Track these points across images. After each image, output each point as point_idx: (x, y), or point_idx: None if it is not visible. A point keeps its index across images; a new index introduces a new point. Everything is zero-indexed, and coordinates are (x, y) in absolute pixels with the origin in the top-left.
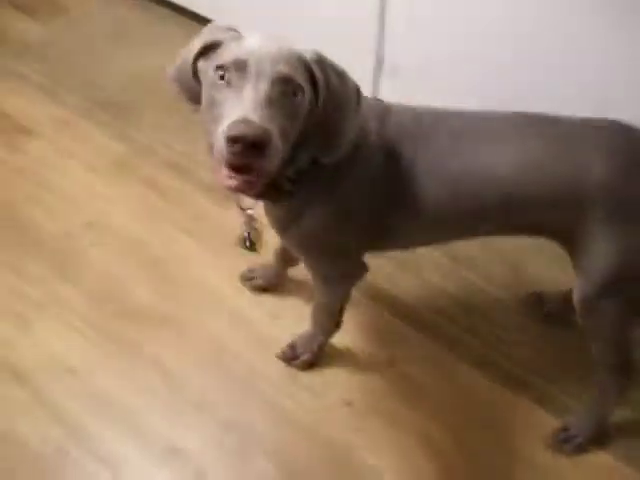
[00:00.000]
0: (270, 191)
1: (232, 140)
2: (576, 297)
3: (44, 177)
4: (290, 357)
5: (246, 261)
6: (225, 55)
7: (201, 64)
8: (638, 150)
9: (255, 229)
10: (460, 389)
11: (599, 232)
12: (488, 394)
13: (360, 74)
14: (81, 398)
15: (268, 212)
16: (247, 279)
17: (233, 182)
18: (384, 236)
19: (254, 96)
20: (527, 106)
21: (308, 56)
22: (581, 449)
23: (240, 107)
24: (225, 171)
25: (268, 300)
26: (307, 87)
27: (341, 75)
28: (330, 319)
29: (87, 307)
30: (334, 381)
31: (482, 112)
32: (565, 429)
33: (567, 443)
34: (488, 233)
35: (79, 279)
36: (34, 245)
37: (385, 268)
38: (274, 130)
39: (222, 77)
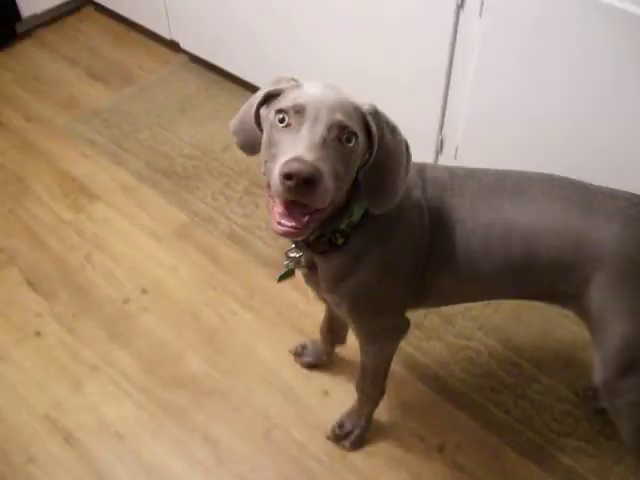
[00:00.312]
0: (323, 244)
1: (286, 176)
2: (597, 379)
3: (105, 240)
4: (340, 437)
5: (299, 335)
6: (286, 100)
7: (263, 111)
8: None
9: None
10: (510, 478)
11: (612, 301)
12: None
13: (421, 156)
14: (127, 462)
15: (319, 269)
16: (298, 355)
17: (283, 228)
18: (427, 290)
19: (310, 137)
20: None
21: (364, 108)
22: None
23: (296, 147)
24: (277, 215)
25: (319, 377)
26: (361, 136)
27: (394, 130)
28: (376, 383)
29: (138, 372)
30: (383, 464)
31: (513, 171)
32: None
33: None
34: (520, 293)
35: (132, 344)
36: (91, 306)
37: (440, 354)
38: (326, 170)
39: (282, 120)
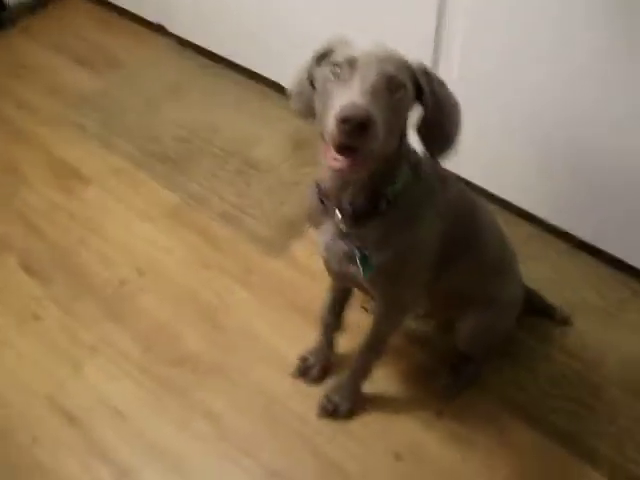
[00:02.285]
0: (368, 209)
1: (342, 121)
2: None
3: (98, 223)
4: (330, 410)
5: (295, 311)
6: (339, 55)
7: (317, 70)
8: None
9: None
10: (508, 442)
11: None
12: (537, 448)
13: None
14: (130, 441)
15: (362, 238)
16: (304, 374)
17: (339, 163)
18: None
19: (361, 85)
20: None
21: (414, 65)
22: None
23: (349, 94)
24: (333, 153)
25: None
26: (410, 89)
27: (443, 84)
28: (380, 353)
29: (138, 352)
30: (383, 432)
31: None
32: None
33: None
34: None
35: (131, 324)
36: (88, 289)
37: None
38: (377, 114)
39: (335, 73)
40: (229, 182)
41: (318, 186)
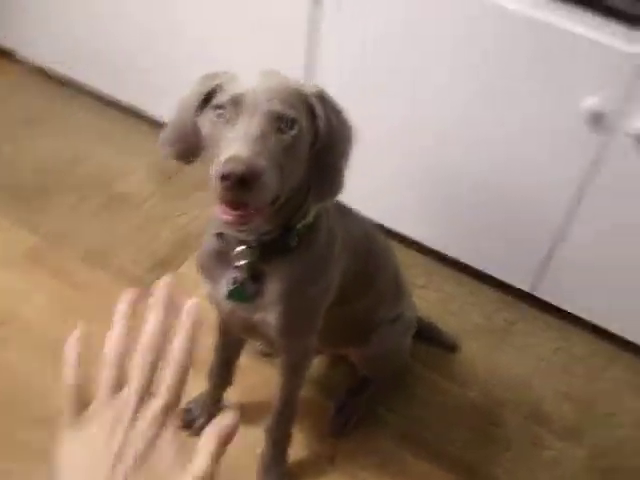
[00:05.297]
0: (278, 245)
1: (222, 178)
2: None
3: None
4: None
5: None
6: (223, 94)
7: (202, 115)
8: None
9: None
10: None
11: None
12: None
13: None
14: None
15: (268, 280)
16: (188, 426)
17: (228, 217)
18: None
19: (246, 131)
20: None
21: (308, 91)
22: None
23: (232, 144)
24: (222, 206)
25: None
26: (304, 121)
27: (339, 114)
28: (295, 411)
29: None
30: None
31: None
32: None
33: None
34: None
35: None
36: None
37: (320, 364)
38: (264, 165)
39: (220, 115)
40: (93, 219)
41: (217, 226)
